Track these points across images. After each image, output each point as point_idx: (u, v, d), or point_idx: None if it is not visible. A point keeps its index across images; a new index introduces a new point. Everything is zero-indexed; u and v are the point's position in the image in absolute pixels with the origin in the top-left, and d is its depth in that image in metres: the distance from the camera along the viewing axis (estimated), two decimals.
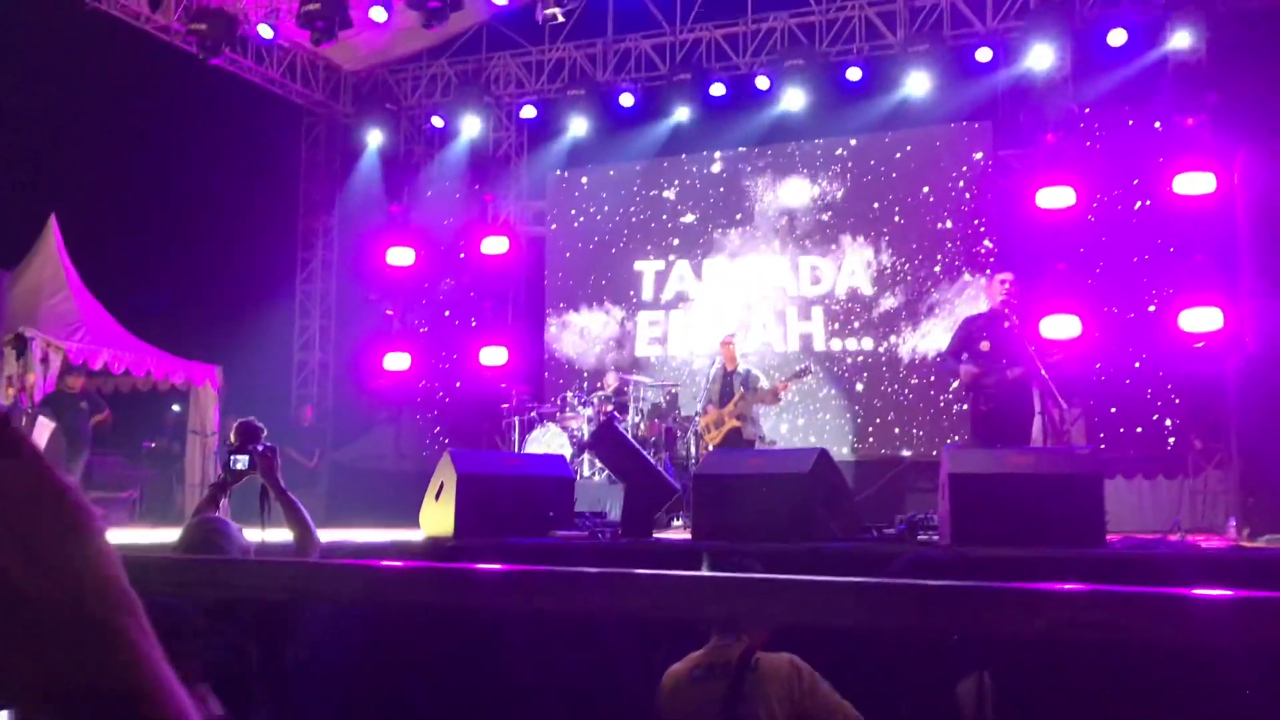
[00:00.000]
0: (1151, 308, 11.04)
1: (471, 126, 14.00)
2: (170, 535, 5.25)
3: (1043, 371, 7.67)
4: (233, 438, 4.55)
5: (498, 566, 1.45)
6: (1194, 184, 10.55)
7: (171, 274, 13.81)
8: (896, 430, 12.38)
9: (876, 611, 1.27)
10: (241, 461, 4.40)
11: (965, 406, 9.33)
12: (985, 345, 7.85)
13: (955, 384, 10.30)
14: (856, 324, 12.72)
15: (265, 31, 12.81)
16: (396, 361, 14.07)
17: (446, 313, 14.53)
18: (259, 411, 15.09)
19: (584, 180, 14.33)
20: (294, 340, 15.29)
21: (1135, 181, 11.35)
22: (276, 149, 15.27)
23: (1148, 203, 11.23)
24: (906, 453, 12.17)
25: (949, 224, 12.45)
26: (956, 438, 11.49)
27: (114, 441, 13.04)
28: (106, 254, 13.00)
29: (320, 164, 15.48)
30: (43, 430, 10.16)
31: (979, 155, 12.44)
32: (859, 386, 12.59)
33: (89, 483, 11.60)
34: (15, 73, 11.17)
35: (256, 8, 12.78)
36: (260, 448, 4.38)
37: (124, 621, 0.56)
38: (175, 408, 14.47)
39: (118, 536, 7.52)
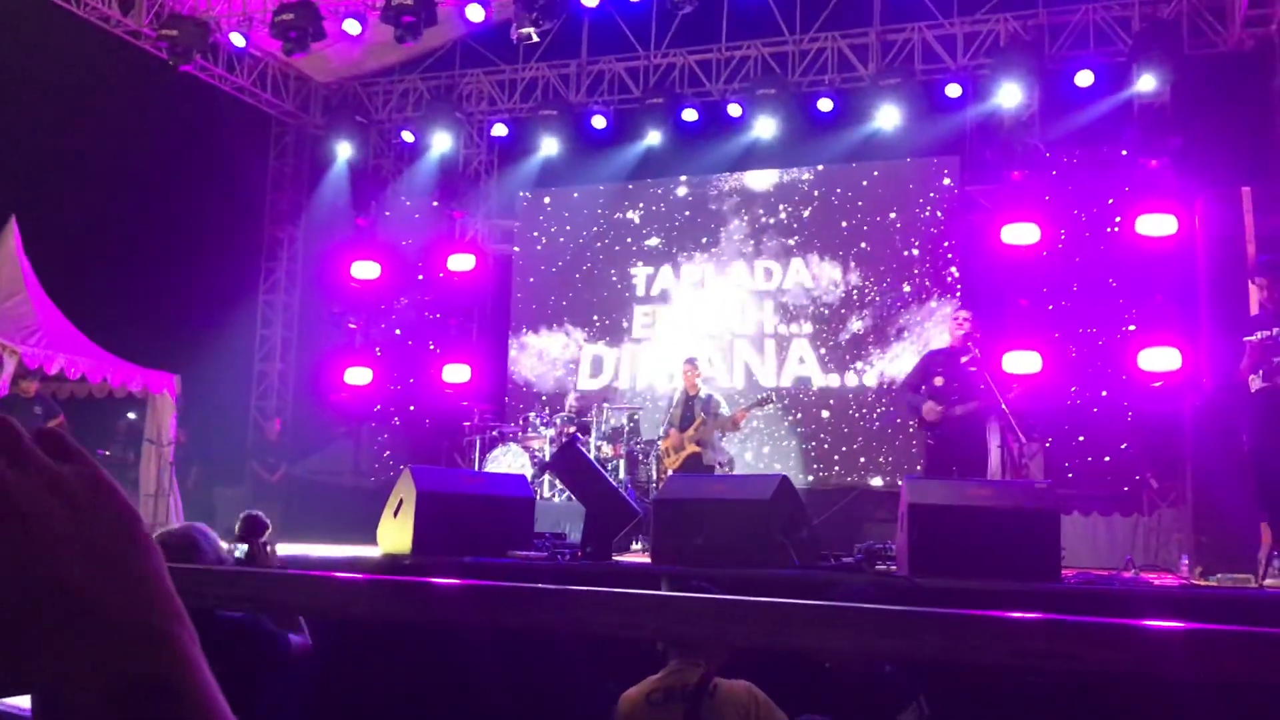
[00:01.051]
0: (1104, 344, 11.19)
1: (442, 142, 13.98)
2: None
3: (1003, 405, 7.76)
4: (236, 528, 4.50)
5: (457, 581, 1.43)
6: (1156, 225, 10.72)
7: (132, 280, 13.63)
8: (862, 459, 12.43)
9: (834, 635, 1.27)
10: (240, 551, 4.37)
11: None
12: (939, 381, 8.03)
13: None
14: (823, 350, 12.78)
15: (237, 40, 12.75)
16: (358, 376, 13.96)
17: (404, 330, 14.45)
18: (217, 421, 14.90)
19: (552, 201, 14.34)
20: (255, 351, 15.15)
21: (1098, 221, 11.51)
22: (244, 158, 15.16)
23: (1110, 242, 11.40)
24: (876, 481, 12.19)
25: (916, 251, 12.56)
26: (920, 467, 11.56)
27: None
28: (66, 258, 12.81)
29: (288, 174, 15.40)
30: None
31: (947, 183, 12.58)
32: (824, 414, 12.64)
33: None
34: None
35: (229, 15, 12.72)
36: (263, 541, 4.37)
37: (177, 628, 0.57)
38: (131, 415, 14.26)
39: None
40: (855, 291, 12.74)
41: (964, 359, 8.00)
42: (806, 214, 13.13)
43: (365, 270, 14.13)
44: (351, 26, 12.05)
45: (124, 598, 0.56)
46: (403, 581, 1.44)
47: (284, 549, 5.46)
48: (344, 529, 9.34)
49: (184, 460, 13.20)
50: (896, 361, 12.27)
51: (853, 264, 12.82)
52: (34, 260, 12.14)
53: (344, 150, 14.34)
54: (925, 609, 1.20)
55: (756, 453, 12.71)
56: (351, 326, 14.39)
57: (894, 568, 6.04)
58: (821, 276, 12.91)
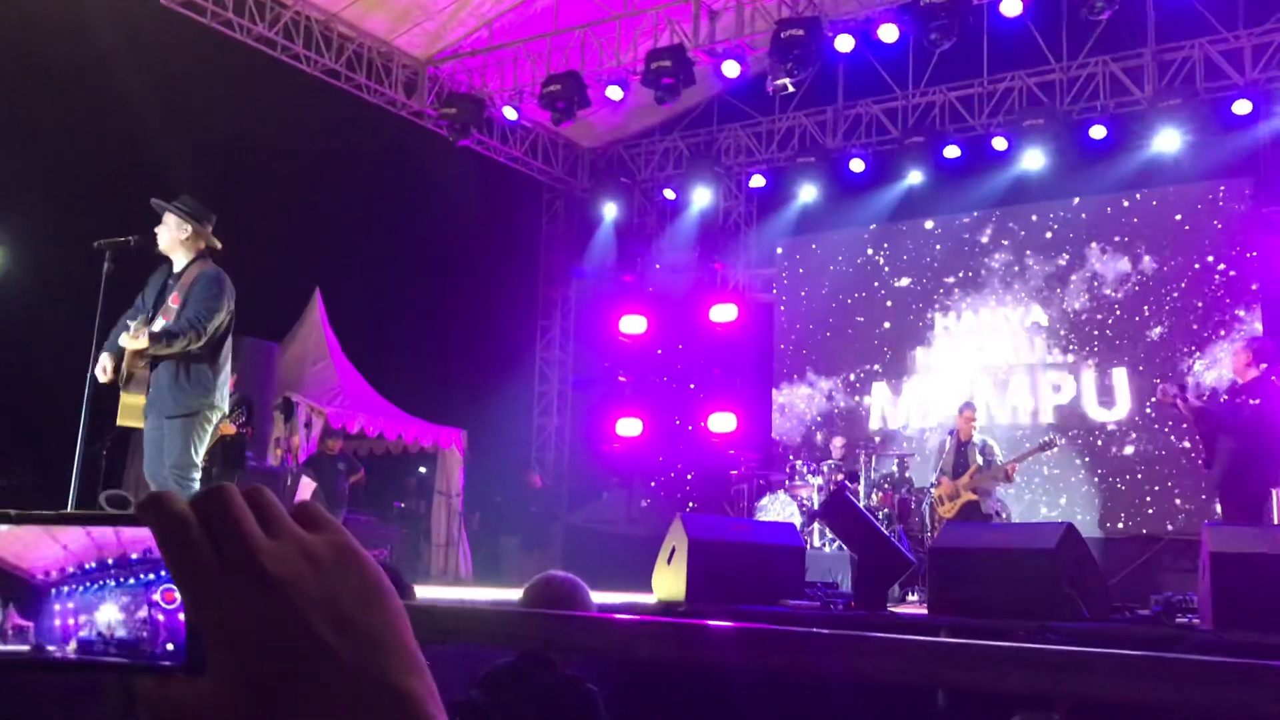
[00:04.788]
0: None
1: (702, 197, 14.27)
2: (421, 591, 5.51)
3: None
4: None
5: (733, 624, 1.47)
6: None
7: (422, 342, 14.63)
8: (1151, 506, 11.61)
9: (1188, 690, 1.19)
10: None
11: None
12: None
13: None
14: (1104, 389, 12.07)
15: (510, 113, 13.53)
16: (629, 427, 14.37)
17: (672, 381, 14.75)
18: (499, 473, 15.58)
19: (811, 247, 14.31)
20: (534, 405, 15.86)
21: None
22: (519, 223, 16.03)
23: None
24: (1169, 526, 11.36)
25: (1207, 279, 11.70)
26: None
27: (366, 501, 13.81)
28: (363, 324, 13.92)
29: (559, 237, 16.13)
30: (305, 489, 10.88)
31: (1239, 206, 11.69)
32: (1127, 450, 11.87)
33: None
34: (285, 159, 12.20)
35: (501, 91, 13.52)
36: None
37: (415, 684, 0.61)
38: (422, 469, 15.22)
39: None
40: (1140, 323, 11.99)
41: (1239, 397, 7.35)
42: (1081, 245, 12.50)
43: (633, 325, 14.58)
44: (614, 93, 12.54)
45: (362, 652, 0.60)
46: (681, 623, 1.49)
47: None
48: (620, 576, 9.56)
49: (469, 510, 13.93)
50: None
51: (1135, 294, 12.08)
52: (335, 327, 13.26)
53: (610, 211, 14.89)
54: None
55: (1034, 499, 12.11)
56: (622, 379, 14.84)
57: (1197, 620, 5.61)
58: (1101, 308, 12.24)
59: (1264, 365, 7.31)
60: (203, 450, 5.54)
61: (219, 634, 0.59)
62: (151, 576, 0.62)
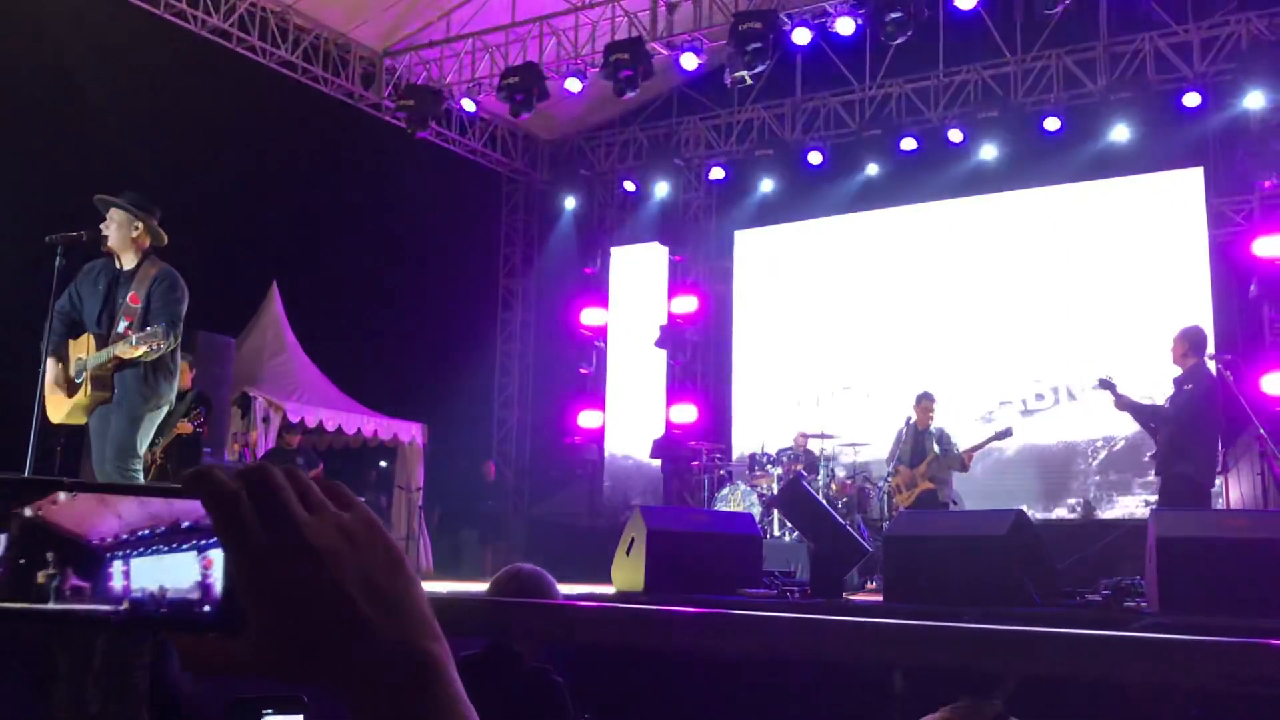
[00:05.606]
0: None
1: (662, 189, 14.31)
2: None
3: (1261, 430, 7.23)
4: None
5: (691, 610, 1.50)
6: None
7: (380, 335, 14.56)
8: (1108, 491, 11.80)
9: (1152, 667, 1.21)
10: None
11: None
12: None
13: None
14: (1058, 381, 12.24)
15: (468, 105, 13.49)
16: (590, 419, 14.40)
17: (632, 374, 14.78)
18: (460, 467, 15.55)
19: (771, 239, 14.39)
20: (494, 398, 15.84)
21: None
22: (479, 215, 15.99)
23: None
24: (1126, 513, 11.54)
25: (1162, 268, 11.89)
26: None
27: None
28: (322, 317, 13.83)
29: (519, 229, 16.11)
30: None
31: (1190, 196, 11.88)
32: (1070, 438, 12.08)
33: None
34: (241, 152, 12.10)
35: (460, 83, 13.48)
36: None
37: (437, 649, 0.69)
38: (382, 463, 15.17)
39: None
40: (1097, 315, 12.16)
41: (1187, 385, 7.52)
42: (1035, 235, 12.66)
43: (593, 316, 14.60)
44: (573, 85, 12.53)
45: (391, 619, 0.67)
46: (640, 608, 1.52)
47: None
48: (581, 568, 9.60)
49: (429, 504, 13.91)
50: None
51: (1094, 285, 12.25)
52: (293, 321, 13.16)
53: (569, 203, 14.90)
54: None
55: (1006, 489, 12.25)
56: (583, 371, 14.85)
57: (1144, 605, 5.72)
58: (1061, 300, 12.39)
59: (1195, 353, 7.51)
60: (146, 442, 5.56)
61: (262, 598, 0.65)
62: (199, 543, 0.68)
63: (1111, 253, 12.22)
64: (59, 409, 5.45)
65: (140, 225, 5.49)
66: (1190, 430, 7.19)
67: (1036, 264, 12.63)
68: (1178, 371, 7.46)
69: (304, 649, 0.66)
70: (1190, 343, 7.53)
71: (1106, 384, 7.71)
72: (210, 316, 9.62)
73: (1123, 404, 7.66)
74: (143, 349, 5.25)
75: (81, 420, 5.51)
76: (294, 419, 12.09)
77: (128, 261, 5.52)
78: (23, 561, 0.66)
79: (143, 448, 5.53)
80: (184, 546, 0.68)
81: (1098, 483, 11.94)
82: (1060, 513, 12.01)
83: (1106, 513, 11.74)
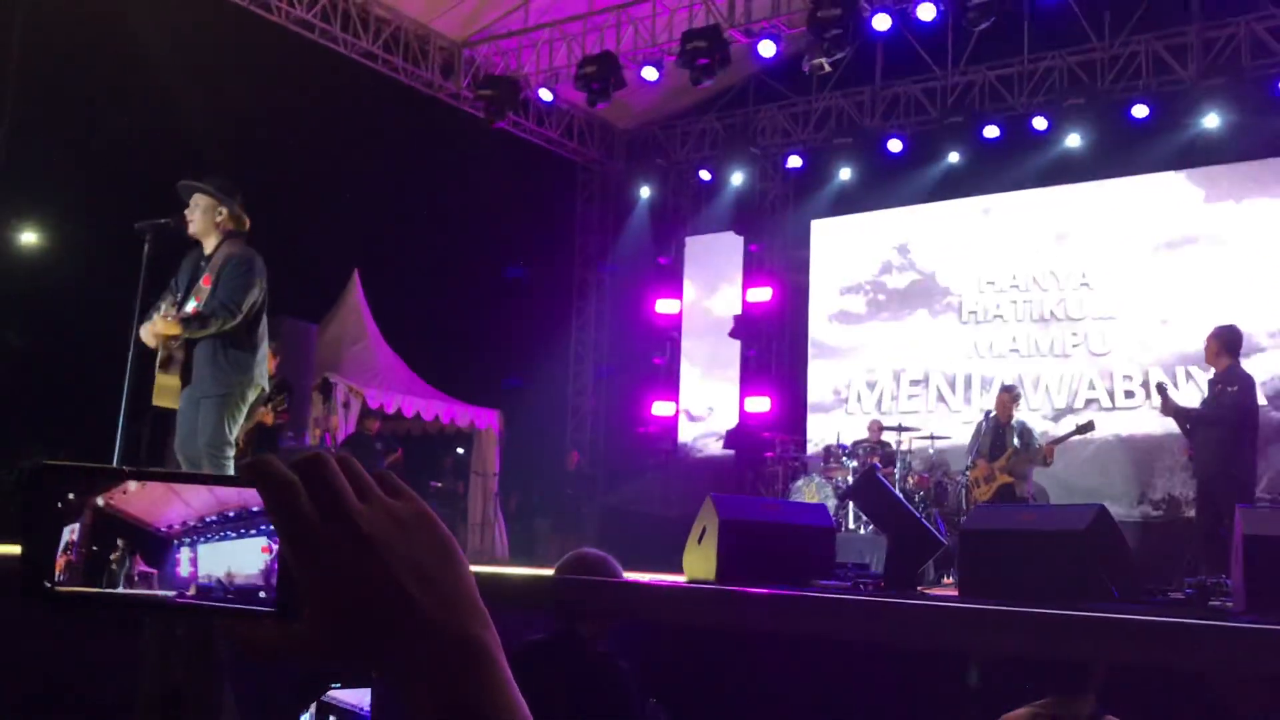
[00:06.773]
0: None
1: (737, 178, 14.23)
2: None
3: None
4: None
5: (766, 590, 1.49)
6: None
7: (459, 323, 14.74)
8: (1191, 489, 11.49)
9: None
10: None
11: None
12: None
13: None
14: (1146, 376, 11.95)
15: (545, 95, 13.55)
16: (663, 409, 14.40)
17: (706, 363, 14.75)
18: (535, 454, 15.66)
19: (849, 228, 14.23)
20: (569, 386, 15.92)
21: None
22: (555, 205, 16.08)
23: None
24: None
25: (1255, 264, 11.53)
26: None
27: (403, 481, 13.91)
28: (401, 305, 14.03)
29: (594, 218, 16.15)
30: None
31: None
32: (1154, 433, 11.78)
33: None
34: (323, 141, 12.31)
35: (537, 73, 13.54)
36: None
37: (487, 636, 0.70)
38: (459, 450, 15.34)
39: None
40: (1184, 308, 11.83)
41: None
42: (1128, 227, 12.35)
43: (668, 306, 14.58)
44: (649, 73, 12.51)
45: (442, 606, 0.68)
46: (718, 589, 1.51)
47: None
48: (654, 557, 9.61)
49: (505, 490, 14.04)
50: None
51: (1182, 276, 11.92)
52: (374, 308, 13.37)
53: (645, 192, 14.90)
54: None
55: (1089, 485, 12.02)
56: (657, 361, 14.86)
57: (1230, 604, 5.56)
58: (1147, 293, 12.08)
59: (1230, 353, 7.37)
60: (237, 428, 5.58)
61: (318, 585, 0.67)
62: (266, 528, 0.70)
63: (1201, 244, 11.88)
64: (157, 393, 5.55)
65: (224, 210, 5.55)
66: (1238, 432, 7.09)
67: (1122, 255, 12.33)
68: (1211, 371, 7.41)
69: (356, 635, 0.67)
70: (1223, 342, 7.39)
71: (1161, 389, 7.70)
72: (293, 304, 9.81)
73: (1168, 408, 7.62)
74: (174, 327, 5.29)
75: (172, 404, 5.58)
76: (373, 405, 12.28)
77: (209, 246, 5.59)
78: (95, 548, 0.68)
79: (232, 434, 5.50)
80: (251, 533, 0.70)
81: (1184, 480, 11.63)
82: (1145, 510, 11.73)
83: (1192, 512, 11.43)
